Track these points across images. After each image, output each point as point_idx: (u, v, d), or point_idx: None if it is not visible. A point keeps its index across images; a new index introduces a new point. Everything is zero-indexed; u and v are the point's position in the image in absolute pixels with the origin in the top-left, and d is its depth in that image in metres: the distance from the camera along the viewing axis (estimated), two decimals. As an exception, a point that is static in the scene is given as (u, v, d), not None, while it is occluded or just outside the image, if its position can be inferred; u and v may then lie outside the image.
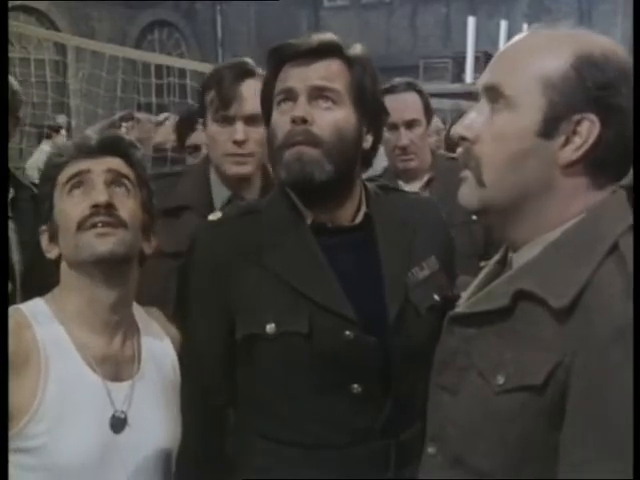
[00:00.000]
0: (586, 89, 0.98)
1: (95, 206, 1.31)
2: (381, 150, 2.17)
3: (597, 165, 1.00)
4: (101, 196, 1.31)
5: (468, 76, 8.45)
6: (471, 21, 8.65)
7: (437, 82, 8.54)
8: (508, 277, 1.06)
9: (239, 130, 1.81)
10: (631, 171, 1.02)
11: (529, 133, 1.00)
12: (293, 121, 1.33)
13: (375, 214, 1.43)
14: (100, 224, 1.30)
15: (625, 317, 0.89)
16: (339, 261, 1.37)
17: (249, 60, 1.89)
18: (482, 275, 1.16)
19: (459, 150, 1.08)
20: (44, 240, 1.38)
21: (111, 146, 1.39)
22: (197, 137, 2.77)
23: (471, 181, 1.06)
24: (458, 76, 9.07)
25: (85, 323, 1.35)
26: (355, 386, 1.33)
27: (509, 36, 6.45)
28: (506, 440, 0.99)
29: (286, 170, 1.35)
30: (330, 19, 14.38)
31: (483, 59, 7.87)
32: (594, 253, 0.96)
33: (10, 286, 1.99)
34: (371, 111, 1.40)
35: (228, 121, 1.83)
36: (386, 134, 2.44)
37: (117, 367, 1.37)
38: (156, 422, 1.38)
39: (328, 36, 1.39)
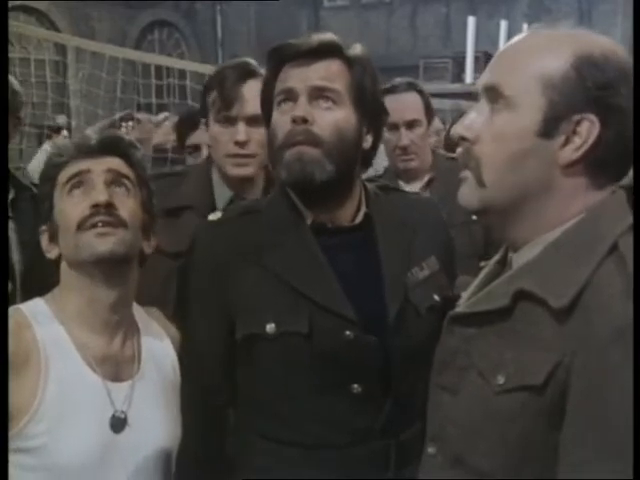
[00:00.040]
0: (586, 89, 0.98)
1: (95, 206, 1.31)
2: (382, 150, 2.18)
3: (597, 165, 1.00)
4: (101, 196, 1.31)
5: (468, 76, 8.44)
6: (471, 21, 8.65)
7: (437, 82, 8.54)
8: (508, 277, 1.06)
9: (241, 131, 1.81)
10: (631, 171, 1.02)
11: (529, 133, 1.00)
12: (293, 121, 1.33)
13: (375, 214, 1.43)
14: (100, 224, 1.30)
15: (625, 317, 0.89)
16: (339, 261, 1.37)
17: (252, 61, 1.88)
18: (482, 275, 1.16)
19: (459, 150, 1.08)
20: (44, 240, 1.38)
21: (111, 146, 1.39)
22: (197, 137, 2.77)
23: (471, 181, 1.06)
24: (458, 76, 9.07)
25: (85, 323, 1.35)
26: (355, 386, 1.33)
27: (509, 36, 6.44)
28: (506, 440, 0.99)
29: (287, 170, 1.35)
30: (330, 19, 14.37)
31: (483, 59, 7.87)
32: (594, 253, 0.96)
33: (10, 286, 1.99)
34: (371, 111, 1.40)
35: (230, 122, 1.82)
36: (387, 134, 2.45)
37: (117, 367, 1.37)
38: (156, 422, 1.38)
39: (328, 36, 1.39)
